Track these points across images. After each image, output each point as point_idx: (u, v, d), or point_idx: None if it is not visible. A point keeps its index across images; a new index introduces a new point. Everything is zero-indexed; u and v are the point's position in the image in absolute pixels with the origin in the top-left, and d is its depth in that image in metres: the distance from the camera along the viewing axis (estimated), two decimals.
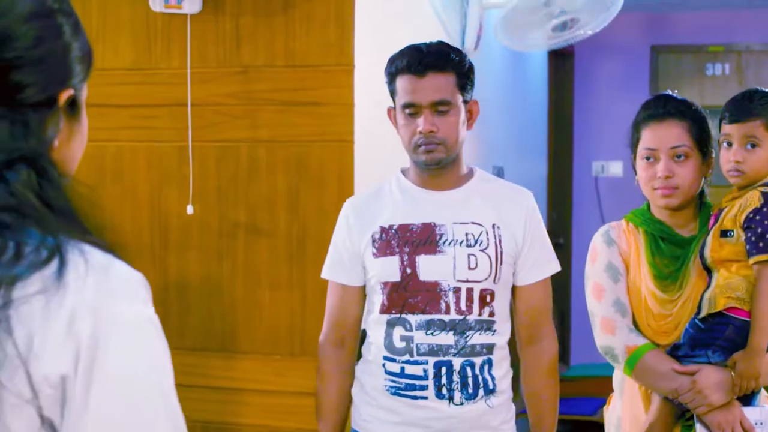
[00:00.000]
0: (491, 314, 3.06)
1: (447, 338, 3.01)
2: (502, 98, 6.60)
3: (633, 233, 3.19)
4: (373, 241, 3.09)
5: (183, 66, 4.08)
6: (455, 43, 4.65)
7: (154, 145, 4.16)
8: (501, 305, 3.09)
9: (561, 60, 8.54)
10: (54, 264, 1.27)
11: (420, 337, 3.02)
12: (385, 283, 3.07)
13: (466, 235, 3.05)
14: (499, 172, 6.18)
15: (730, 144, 3.05)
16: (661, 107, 3.14)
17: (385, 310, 3.08)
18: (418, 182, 3.15)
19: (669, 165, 3.08)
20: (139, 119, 4.17)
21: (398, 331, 3.05)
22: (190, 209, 4.07)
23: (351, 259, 3.14)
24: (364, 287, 3.17)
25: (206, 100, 4.08)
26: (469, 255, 3.03)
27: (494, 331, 3.07)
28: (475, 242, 3.05)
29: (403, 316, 3.05)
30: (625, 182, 8.17)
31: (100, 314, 1.27)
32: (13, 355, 1.20)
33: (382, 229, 3.09)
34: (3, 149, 1.32)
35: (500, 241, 3.07)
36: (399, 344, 3.05)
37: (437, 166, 3.07)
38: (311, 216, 3.99)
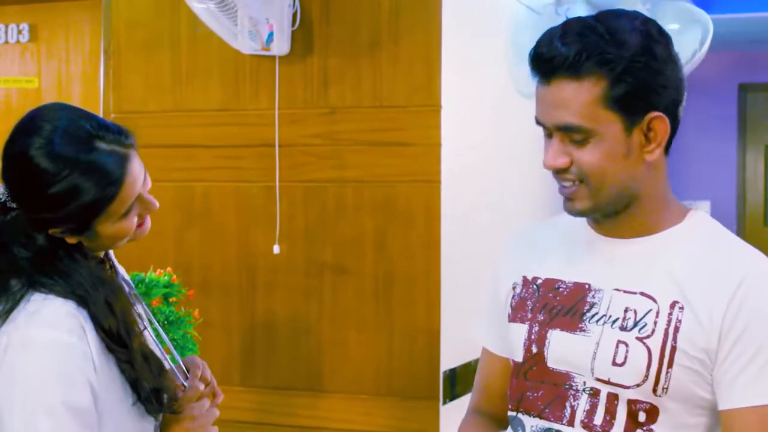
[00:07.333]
0: None
1: None
2: None
3: None
4: (513, 296, 2.12)
5: (271, 107, 4.11)
6: None
7: (241, 185, 4.19)
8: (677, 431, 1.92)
9: None
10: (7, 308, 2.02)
11: None
12: (513, 363, 2.10)
13: (626, 311, 1.93)
14: None
15: None
16: None
17: (509, 401, 2.10)
18: (591, 223, 2.06)
19: None
20: (227, 160, 4.21)
21: None
22: (276, 249, 4.09)
23: (498, 315, 2.17)
24: None
25: (293, 141, 4.11)
26: (618, 342, 1.92)
27: None
28: (634, 325, 1.91)
29: (519, 415, 2.04)
30: None
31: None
32: None
33: (525, 281, 2.10)
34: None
35: (677, 329, 1.88)
36: None
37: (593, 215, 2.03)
38: (398, 256, 3.98)
